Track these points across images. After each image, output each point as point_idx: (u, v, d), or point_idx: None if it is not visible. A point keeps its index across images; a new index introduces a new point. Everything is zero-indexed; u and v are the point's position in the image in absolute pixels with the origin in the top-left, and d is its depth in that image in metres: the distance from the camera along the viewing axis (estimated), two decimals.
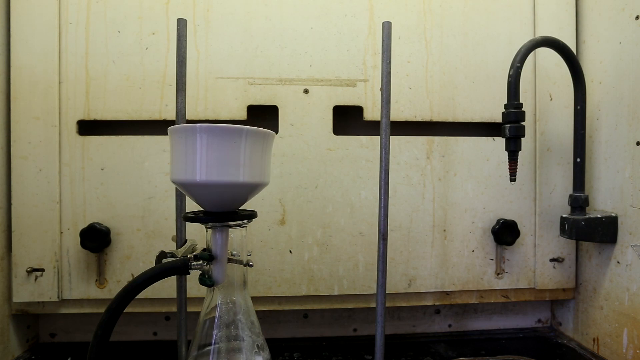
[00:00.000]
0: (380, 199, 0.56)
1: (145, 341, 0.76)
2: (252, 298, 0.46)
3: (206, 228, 0.42)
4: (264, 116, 0.72)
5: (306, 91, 0.71)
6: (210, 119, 0.70)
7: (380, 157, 0.56)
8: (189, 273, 0.41)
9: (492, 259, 0.75)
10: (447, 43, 0.74)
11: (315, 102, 0.71)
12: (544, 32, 0.74)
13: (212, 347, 0.42)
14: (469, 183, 0.74)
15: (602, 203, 0.70)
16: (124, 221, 0.69)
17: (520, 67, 0.61)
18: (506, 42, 0.74)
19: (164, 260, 0.41)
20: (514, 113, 0.61)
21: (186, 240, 0.46)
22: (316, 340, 0.78)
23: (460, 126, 0.77)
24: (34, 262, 0.67)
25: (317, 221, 0.72)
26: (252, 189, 0.41)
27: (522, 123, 0.62)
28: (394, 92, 0.72)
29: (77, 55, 0.68)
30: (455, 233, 0.74)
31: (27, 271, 0.67)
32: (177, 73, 0.53)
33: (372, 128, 0.74)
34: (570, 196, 0.69)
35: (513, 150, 0.63)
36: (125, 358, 0.73)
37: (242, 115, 0.70)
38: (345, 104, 0.72)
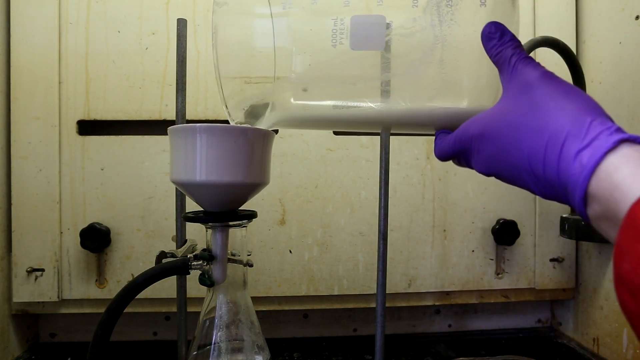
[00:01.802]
0: (380, 199, 0.56)
1: (145, 341, 0.76)
2: (252, 298, 0.46)
3: (206, 228, 0.42)
4: None
5: (305, 91, 0.71)
6: (210, 119, 0.70)
7: (380, 157, 0.56)
8: (189, 273, 0.41)
9: (492, 259, 0.75)
10: None
11: None
12: (544, 32, 0.74)
13: (212, 347, 0.42)
14: (469, 183, 0.74)
15: None
16: (124, 221, 0.69)
17: None
18: None
19: (164, 260, 0.41)
20: None
21: (186, 240, 0.46)
22: (316, 340, 0.78)
23: None
24: (34, 262, 0.67)
25: (317, 221, 0.72)
26: (252, 189, 0.41)
27: None
28: None
29: (77, 55, 0.68)
30: (455, 233, 0.74)
31: (27, 271, 0.67)
32: (177, 73, 0.53)
33: None
34: None
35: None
36: (125, 358, 0.73)
37: None
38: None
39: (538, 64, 0.30)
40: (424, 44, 0.35)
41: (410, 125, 0.39)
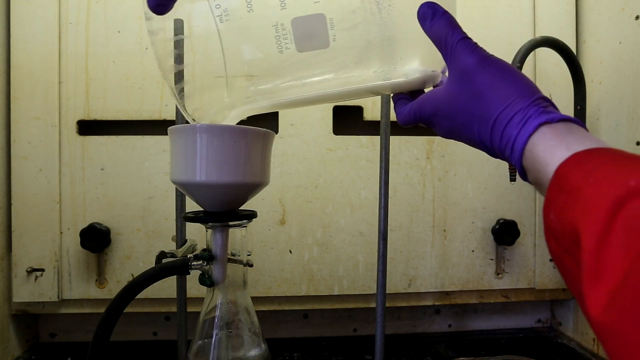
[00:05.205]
0: (380, 199, 0.56)
1: (145, 341, 0.76)
2: (252, 298, 0.46)
3: (206, 228, 0.42)
4: (264, 116, 0.72)
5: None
6: None
7: (380, 157, 0.56)
8: (189, 273, 0.41)
9: (492, 259, 0.75)
10: None
11: None
12: (544, 32, 0.74)
13: (212, 346, 0.42)
14: (469, 183, 0.74)
15: None
16: (124, 221, 0.69)
17: (520, 67, 0.61)
18: (506, 42, 0.74)
19: (164, 260, 0.41)
20: None
21: (186, 240, 0.46)
22: (316, 340, 0.78)
23: None
24: (34, 262, 0.67)
25: (317, 221, 0.72)
26: (252, 189, 0.41)
27: None
28: None
29: (77, 55, 0.68)
30: (455, 233, 0.74)
31: (27, 271, 0.67)
32: None
33: (372, 128, 0.74)
34: None
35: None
36: (125, 358, 0.73)
37: None
38: (345, 104, 0.72)
39: (474, 45, 0.32)
40: (367, 34, 0.36)
41: (364, 96, 0.41)
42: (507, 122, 0.29)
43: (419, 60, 0.37)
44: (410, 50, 0.37)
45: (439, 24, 0.33)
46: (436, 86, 0.38)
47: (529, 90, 0.30)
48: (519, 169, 0.29)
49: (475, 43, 0.32)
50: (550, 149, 0.27)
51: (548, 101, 0.30)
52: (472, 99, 0.31)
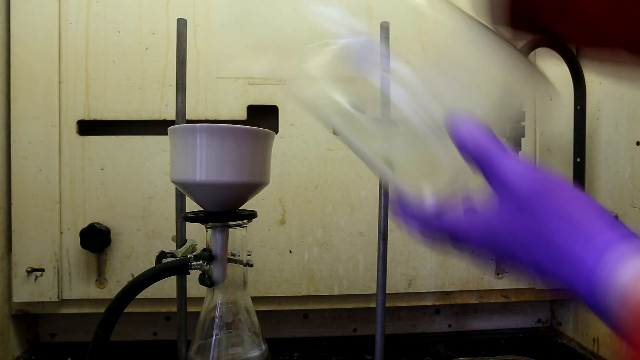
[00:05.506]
0: (380, 198, 0.56)
1: (145, 341, 0.76)
2: (252, 298, 0.46)
3: (206, 228, 0.42)
4: (264, 116, 0.72)
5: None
6: (210, 119, 0.69)
7: None
8: (189, 273, 0.41)
9: (492, 259, 0.75)
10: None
11: None
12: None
13: (212, 346, 0.42)
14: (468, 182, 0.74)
15: (602, 203, 0.70)
16: (124, 221, 0.69)
17: None
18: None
19: (164, 260, 0.41)
20: None
21: (186, 240, 0.46)
22: (316, 340, 0.78)
23: None
24: (34, 262, 0.67)
25: (317, 221, 0.72)
26: (252, 189, 0.41)
27: (522, 123, 0.62)
28: None
29: (77, 55, 0.68)
30: None
31: (27, 271, 0.67)
32: (177, 73, 0.53)
33: None
34: None
35: (513, 150, 0.63)
36: (125, 358, 0.73)
37: (242, 115, 0.70)
38: None
39: (522, 165, 0.27)
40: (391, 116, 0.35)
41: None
42: (580, 251, 0.24)
43: (433, 182, 0.33)
44: (420, 168, 0.34)
45: (474, 141, 0.28)
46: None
47: (600, 212, 0.26)
48: (593, 306, 0.24)
49: (523, 161, 0.28)
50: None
51: (622, 224, 0.25)
52: (531, 227, 0.26)
